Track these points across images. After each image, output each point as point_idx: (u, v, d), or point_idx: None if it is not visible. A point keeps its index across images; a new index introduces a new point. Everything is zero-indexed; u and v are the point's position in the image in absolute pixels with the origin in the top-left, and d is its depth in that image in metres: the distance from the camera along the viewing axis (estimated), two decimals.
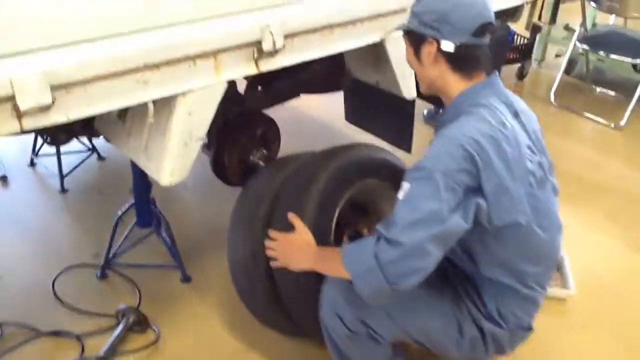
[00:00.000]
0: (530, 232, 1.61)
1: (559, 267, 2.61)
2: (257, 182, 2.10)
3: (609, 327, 2.36)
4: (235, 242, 2.03)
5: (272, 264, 1.84)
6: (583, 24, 4.10)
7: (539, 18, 4.25)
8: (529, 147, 1.59)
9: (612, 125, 3.92)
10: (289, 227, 1.83)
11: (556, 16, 4.35)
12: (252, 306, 2.13)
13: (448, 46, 1.57)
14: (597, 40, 4.12)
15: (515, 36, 4.42)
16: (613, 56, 3.97)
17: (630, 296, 2.53)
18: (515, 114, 1.61)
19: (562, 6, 4.43)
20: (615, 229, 2.95)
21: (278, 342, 2.20)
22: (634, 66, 4.12)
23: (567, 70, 4.58)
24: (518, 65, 4.44)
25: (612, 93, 4.37)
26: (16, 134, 1.55)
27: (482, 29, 1.56)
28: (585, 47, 4.06)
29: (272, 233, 1.85)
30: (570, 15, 4.35)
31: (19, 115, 1.41)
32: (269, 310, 2.04)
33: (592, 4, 3.98)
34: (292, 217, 1.84)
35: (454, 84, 1.63)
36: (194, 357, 2.17)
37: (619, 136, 3.88)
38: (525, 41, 4.37)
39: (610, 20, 4.80)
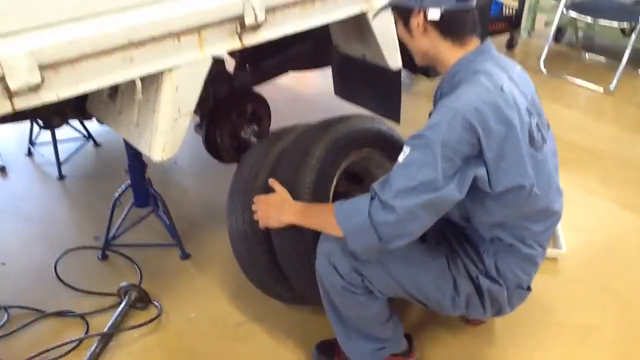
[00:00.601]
0: (531, 193, 1.63)
1: None
2: (253, 155, 2.13)
3: (599, 282, 2.42)
4: (234, 213, 2.07)
5: (259, 225, 1.89)
6: None
7: None
8: (527, 109, 1.61)
9: (602, 89, 3.96)
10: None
11: None
12: (252, 274, 2.16)
13: (434, 14, 1.59)
14: (584, 6, 4.14)
15: (504, 7, 4.45)
16: (601, 21, 4.00)
17: (620, 252, 2.59)
18: (511, 78, 1.62)
19: None
20: (606, 190, 2.99)
21: (279, 313, 2.25)
22: (622, 30, 4.14)
23: (557, 38, 4.61)
24: (507, 35, 4.48)
25: (601, 58, 4.39)
26: (10, 119, 1.61)
27: None
28: (573, 13, 4.07)
29: (255, 198, 1.90)
30: None
31: (10, 95, 1.46)
32: (269, 278, 2.07)
33: None
34: (271, 181, 1.89)
35: (447, 52, 1.65)
36: (196, 330, 2.22)
37: (609, 100, 3.91)
38: (514, 11, 4.40)
39: None
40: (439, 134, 1.50)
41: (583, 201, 2.90)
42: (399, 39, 1.79)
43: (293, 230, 1.82)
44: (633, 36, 3.90)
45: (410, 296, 1.79)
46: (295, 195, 1.86)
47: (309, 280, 1.86)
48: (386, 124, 2.17)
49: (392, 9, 1.71)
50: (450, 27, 1.62)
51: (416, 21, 1.63)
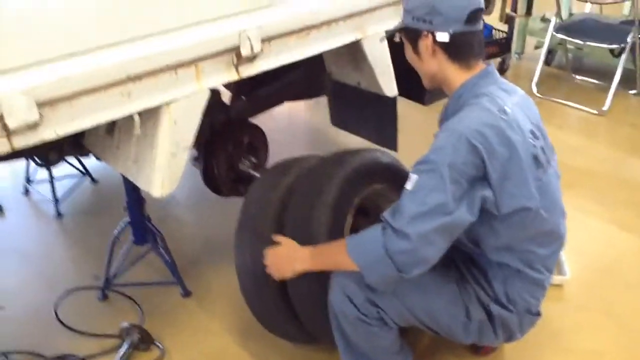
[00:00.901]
0: (537, 215, 1.63)
1: None
2: (259, 190, 2.09)
3: (603, 307, 2.40)
4: (242, 250, 2.02)
5: (273, 278, 1.85)
6: (558, 13, 4.17)
7: (515, 11, 4.33)
8: (531, 132, 1.62)
9: (596, 111, 3.98)
10: (300, 237, 1.84)
11: (532, 8, 4.44)
12: (260, 313, 2.10)
13: (443, 37, 1.61)
14: (573, 29, 4.19)
15: (493, 31, 4.51)
16: (590, 43, 4.03)
17: (621, 276, 2.57)
18: (514, 101, 1.64)
19: None
20: (603, 212, 2.99)
21: (283, 350, 2.21)
22: (612, 51, 4.18)
23: (548, 61, 4.66)
24: (498, 60, 4.52)
25: (592, 80, 4.43)
26: (7, 157, 1.59)
27: (473, 16, 1.61)
28: (562, 36, 4.12)
29: (265, 252, 1.86)
30: (546, 6, 4.42)
31: (8, 134, 1.44)
32: (279, 316, 2.02)
33: None
34: (275, 237, 1.87)
35: (454, 75, 1.68)
36: None
37: (603, 121, 3.93)
38: (504, 35, 4.45)
39: (586, 9, 4.89)
40: (445, 156, 1.51)
41: (581, 223, 2.88)
42: (404, 63, 1.79)
43: None
44: (623, 57, 3.94)
45: (423, 324, 1.78)
46: (312, 235, 1.84)
47: (322, 317, 1.83)
48: (392, 156, 2.16)
49: (402, 32, 1.73)
50: (458, 49, 1.65)
51: (425, 43, 1.65)
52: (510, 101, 1.62)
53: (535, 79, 4.30)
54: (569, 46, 4.38)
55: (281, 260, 1.82)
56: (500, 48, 4.45)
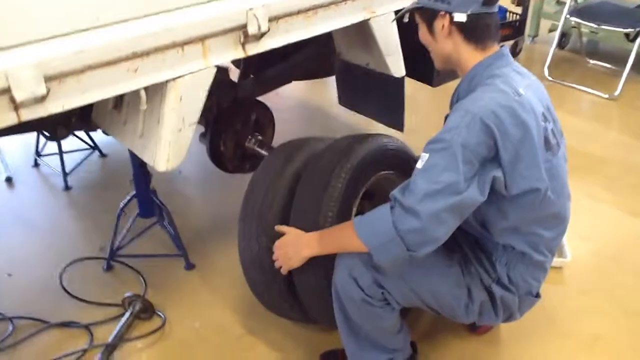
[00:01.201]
0: (546, 197, 1.65)
1: None
2: (265, 176, 2.06)
3: (605, 291, 2.41)
4: (247, 238, 2.01)
5: (282, 271, 1.85)
6: None
7: None
8: (542, 115, 1.63)
9: (607, 96, 3.95)
10: (307, 225, 1.84)
11: None
12: (265, 300, 2.12)
13: (460, 17, 1.62)
14: (588, 12, 4.14)
15: (508, 13, 4.46)
16: (604, 26, 3.99)
17: (626, 260, 2.57)
18: (528, 84, 1.64)
19: None
20: (612, 197, 2.98)
21: (283, 325, 2.24)
22: (627, 35, 4.13)
23: (561, 44, 4.61)
24: (511, 42, 4.47)
25: (606, 64, 4.38)
26: (16, 130, 1.61)
27: None
28: (577, 19, 4.07)
29: (274, 246, 1.86)
30: None
31: (16, 106, 1.46)
32: (283, 304, 2.04)
33: None
34: (277, 227, 1.88)
35: (469, 56, 1.68)
36: (199, 340, 2.22)
37: (614, 106, 3.91)
38: (518, 17, 4.40)
39: None
40: (458, 136, 1.51)
41: (589, 208, 2.89)
42: (420, 43, 1.78)
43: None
44: (638, 41, 3.89)
45: (426, 305, 1.80)
46: (318, 227, 1.83)
47: (325, 303, 1.84)
48: (401, 142, 2.14)
49: (417, 11, 1.73)
50: (474, 30, 1.65)
51: (441, 23, 1.66)
52: (524, 83, 1.63)
53: (548, 62, 4.27)
54: (583, 30, 4.33)
55: (288, 248, 1.81)
56: (514, 30, 4.41)
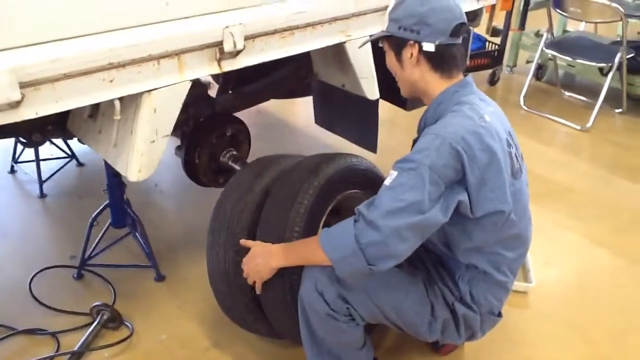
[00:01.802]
0: (509, 219, 1.71)
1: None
2: (235, 190, 2.09)
3: (568, 318, 2.46)
4: (215, 251, 2.04)
5: (255, 287, 1.89)
6: (549, 29, 4.24)
7: (508, 25, 4.39)
8: (506, 140, 1.70)
9: (580, 127, 4.05)
10: (273, 239, 1.88)
11: (524, 22, 4.50)
12: (231, 312, 2.14)
13: (429, 47, 1.68)
14: (564, 45, 4.26)
15: (487, 43, 4.57)
16: (579, 60, 4.11)
17: (589, 289, 2.64)
18: (492, 111, 1.72)
19: (534, 13, 4.59)
20: (578, 226, 3.05)
21: (249, 339, 2.26)
22: (600, 70, 4.25)
23: (539, 76, 4.74)
24: (489, 71, 4.58)
25: (580, 97, 4.50)
26: None
27: (458, 29, 1.68)
28: (553, 52, 4.19)
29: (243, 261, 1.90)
30: (542, 22, 4.48)
31: None
32: (249, 316, 2.06)
33: (558, 10, 4.11)
34: (243, 242, 1.92)
35: (435, 84, 1.74)
36: (166, 351, 2.23)
37: (586, 138, 4.00)
38: (496, 47, 4.52)
39: (581, 27, 4.96)
40: (427, 158, 1.57)
41: (555, 236, 2.95)
42: (386, 70, 1.85)
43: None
44: (610, 75, 4.01)
45: (390, 322, 1.84)
46: (284, 241, 1.87)
47: (290, 318, 1.88)
48: (369, 162, 2.19)
49: (386, 39, 1.78)
50: (442, 60, 1.71)
51: (410, 52, 1.71)
52: (488, 110, 1.70)
53: (524, 92, 4.37)
54: (559, 62, 4.45)
55: (257, 260, 1.84)
56: (492, 60, 4.52)
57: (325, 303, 1.74)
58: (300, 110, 4.08)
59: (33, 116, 1.57)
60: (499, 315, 1.92)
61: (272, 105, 3.49)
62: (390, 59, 1.79)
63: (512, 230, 1.76)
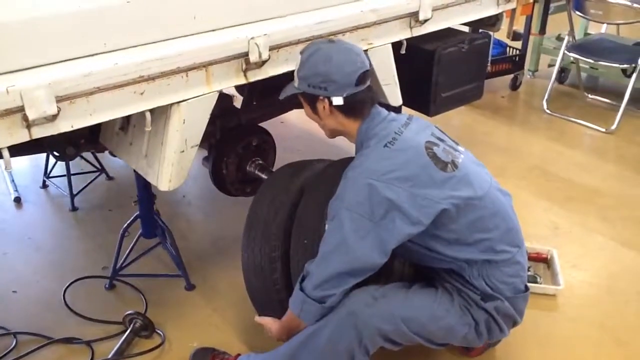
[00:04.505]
0: (459, 208, 1.76)
1: (549, 264, 2.71)
2: (271, 190, 2.18)
3: (597, 320, 2.44)
4: (250, 247, 2.11)
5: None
6: (571, 32, 4.23)
7: (529, 29, 4.39)
8: (429, 142, 1.80)
9: (604, 129, 4.02)
10: (312, 237, 1.95)
11: (545, 26, 4.49)
12: (264, 308, 2.17)
13: (338, 100, 1.81)
14: (586, 48, 4.24)
15: (508, 48, 4.57)
16: (602, 62, 4.09)
17: (618, 291, 2.61)
18: (404, 123, 1.85)
19: (555, 17, 4.58)
20: (606, 228, 3.02)
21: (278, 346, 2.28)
22: (624, 71, 4.22)
23: (561, 79, 4.71)
24: (511, 76, 4.58)
25: (604, 99, 4.47)
26: (28, 150, 1.69)
27: (362, 78, 1.82)
28: (575, 55, 4.17)
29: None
30: (563, 26, 4.47)
31: (28, 124, 1.56)
32: (283, 313, 2.04)
33: (578, 13, 4.10)
34: (258, 319, 2.07)
35: (351, 127, 1.88)
36: None
37: (611, 140, 3.97)
38: (517, 52, 4.51)
39: (602, 29, 4.93)
40: (343, 201, 1.70)
41: (583, 239, 2.94)
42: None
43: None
44: (634, 77, 3.98)
45: (433, 343, 1.89)
46: (320, 235, 1.91)
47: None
48: None
49: (300, 95, 1.89)
50: (353, 108, 1.84)
51: (322, 105, 1.84)
52: (398, 126, 1.82)
53: (546, 96, 4.35)
54: (582, 65, 4.43)
55: (272, 334, 1.98)
56: (514, 65, 4.51)
57: (357, 338, 1.77)
58: None
59: (69, 129, 1.63)
60: (526, 289, 1.95)
61: (295, 116, 3.53)
62: (307, 110, 1.92)
63: (478, 212, 1.80)
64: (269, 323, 2.00)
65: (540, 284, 2.56)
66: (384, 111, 1.90)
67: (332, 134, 1.96)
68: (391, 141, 1.77)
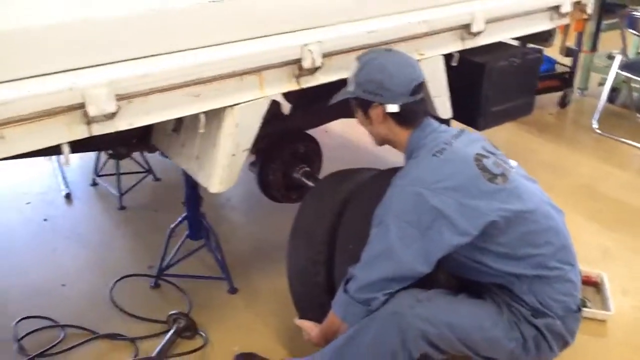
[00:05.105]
0: (509, 221, 1.74)
1: (599, 288, 2.64)
2: (318, 197, 2.22)
3: None
4: (295, 252, 2.15)
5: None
6: (623, 51, 4.14)
7: (579, 46, 4.32)
8: (479, 154, 1.79)
9: None
10: (357, 243, 1.94)
11: (597, 44, 4.41)
12: (308, 313, 2.17)
13: (393, 108, 1.82)
14: (638, 67, 4.14)
15: (557, 65, 4.50)
16: None
17: None
18: (454, 134, 1.85)
19: (606, 35, 4.50)
20: None
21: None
22: None
23: (612, 99, 4.59)
24: (560, 93, 4.50)
25: None
26: (84, 149, 1.74)
27: (417, 88, 1.84)
28: (627, 74, 4.08)
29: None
30: (615, 44, 4.39)
31: (89, 121, 1.61)
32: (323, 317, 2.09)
33: (632, 31, 4.02)
34: (297, 322, 2.09)
35: (402, 136, 1.88)
36: None
37: None
38: (567, 69, 4.44)
39: None
40: (390, 209, 1.71)
41: (632, 263, 2.85)
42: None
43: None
44: None
45: (481, 356, 1.86)
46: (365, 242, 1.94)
47: None
48: None
49: (354, 99, 1.91)
50: (406, 117, 1.85)
51: (376, 112, 1.85)
52: (450, 136, 1.83)
53: (597, 115, 4.26)
54: (634, 85, 4.32)
55: (312, 339, 1.99)
56: (563, 82, 4.44)
57: (401, 341, 1.75)
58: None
59: (127, 127, 1.68)
60: (578, 310, 1.90)
61: (339, 126, 3.55)
62: (359, 116, 1.94)
63: (529, 226, 1.77)
64: (309, 327, 2.01)
65: (590, 308, 2.50)
66: (435, 122, 1.91)
67: (381, 141, 1.97)
68: (440, 151, 1.77)
